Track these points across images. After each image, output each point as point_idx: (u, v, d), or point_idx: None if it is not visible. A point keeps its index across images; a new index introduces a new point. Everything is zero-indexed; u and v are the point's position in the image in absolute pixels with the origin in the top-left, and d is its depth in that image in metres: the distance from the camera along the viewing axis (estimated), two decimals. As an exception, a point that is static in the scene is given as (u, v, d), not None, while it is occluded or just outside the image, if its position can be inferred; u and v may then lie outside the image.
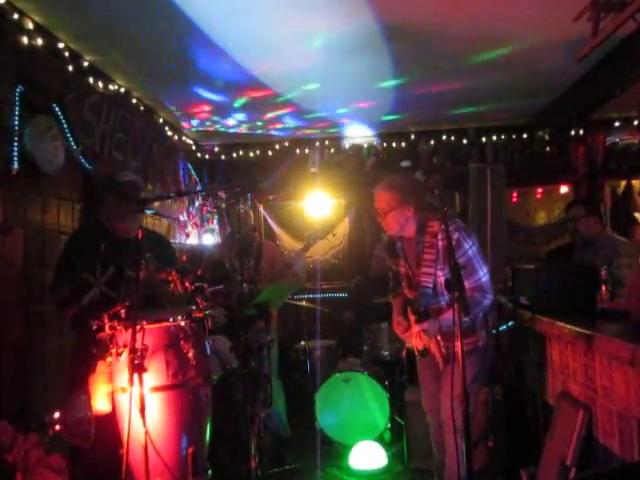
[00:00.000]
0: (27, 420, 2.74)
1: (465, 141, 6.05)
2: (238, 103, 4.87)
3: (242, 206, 5.67)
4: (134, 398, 2.25)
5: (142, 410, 2.25)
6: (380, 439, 4.12)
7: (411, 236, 2.89)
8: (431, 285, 2.77)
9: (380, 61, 4.01)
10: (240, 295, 3.53)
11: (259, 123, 5.55)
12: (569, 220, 4.18)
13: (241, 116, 5.28)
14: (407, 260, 2.94)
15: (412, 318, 2.89)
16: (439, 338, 2.82)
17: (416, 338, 2.83)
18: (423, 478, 3.59)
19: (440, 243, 2.75)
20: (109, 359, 2.47)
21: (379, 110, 5.27)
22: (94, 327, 2.52)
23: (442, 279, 2.74)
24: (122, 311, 2.51)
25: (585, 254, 3.89)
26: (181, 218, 5.74)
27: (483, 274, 2.76)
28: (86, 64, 3.75)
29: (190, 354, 2.55)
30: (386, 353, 4.51)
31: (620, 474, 1.72)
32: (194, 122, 5.41)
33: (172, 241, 5.21)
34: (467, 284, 2.70)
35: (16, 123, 3.00)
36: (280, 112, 5.20)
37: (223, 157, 6.36)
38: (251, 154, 6.28)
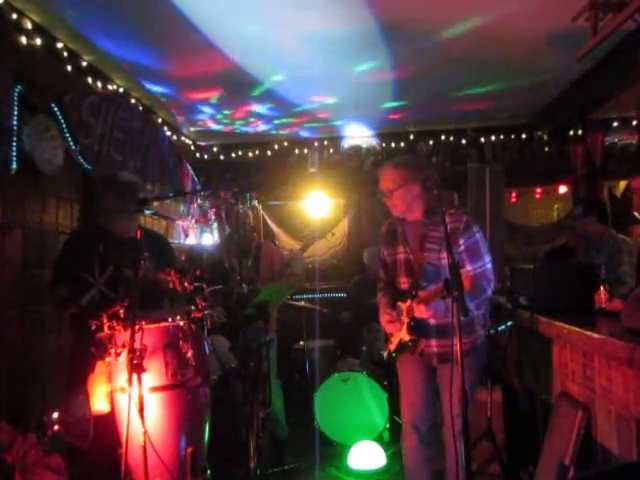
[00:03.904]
0: (26, 420, 2.74)
1: (464, 141, 6.05)
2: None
3: (241, 206, 5.68)
4: (133, 398, 2.25)
5: (141, 410, 2.25)
6: (379, 439, 4.12)
7: (417, 219, 2.84)
8: (434, 262, 2.70)
9: (378, 60, 4.01)
10: (239, 295, 3.54)
11: (258, 123, 5.54)
12: (570, 218, 4.17)
13: (239, 115, 5.28)
14: (408, 244, 2.85)
15: (404, 307, 2.78)
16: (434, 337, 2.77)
17: (410, 314, 2.72)
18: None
19: (449, 226, 2.66)
20: (108, 359, 2.47)
21: (378, 108, 5.26)
22: (93, 327, 2.51)
23: (445, 262, 2.63)
24: (121, 311, 2.51)
25: (588, 254, 3.87)
26: (180, 219, 5.74)
27: (488, 260, 2.75)
28: (85, 64, 3.74)
29: (189, 354, 2.54)
30: (385, 353, 4.51)
31: (619, 474, 1.72)
32: (195, 119, 5.41)
33: (171, 241, 5.21)
34: (474, 268, 2.70)
35: (15, 123, 3.00)
36: (278, 112, 5.20)
37: (222, 157, 6.36)
38: (250, 154, 6.28)
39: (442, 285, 2.46)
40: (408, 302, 2.75)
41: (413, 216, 2.85)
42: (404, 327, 2.77)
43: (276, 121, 5.50)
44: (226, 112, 5.14)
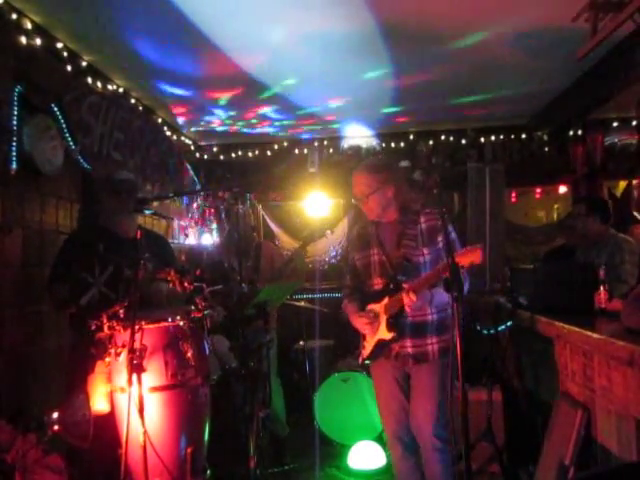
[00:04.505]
0: (26, 420, 2.73)
1: (464, 141, 6.05)
2: (234, 102, 4.88)
3: (241, 206, 5.68)
4: (133, 398, 2.25)
5: (141, 410, 2.25)
6: (379, 439, 4.11)
7: (391, 219, 2.84)
8: (412, 258, 2.71)
9: (378, 61, 4.00)
10: (239, 295, 3.53)
11: (255, 121, 5.54)
12: (571, 217, 4.12)
13: (237, 114, 5.27)
14: (383, 245, 2.82)
15: (379, 307, 2.74)
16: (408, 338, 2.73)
17: (390, 310, 2.67)
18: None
19: (424, 225, 2.75)
20: (108, 359, 2.47)
21: (378, 109, 5.26)
22: (93, 327, 2.52)
23: (427, 258, 2.72)
24: (121, 311, 2.51)
25: (589, 253, 3.86)
26: (180, 219, 5.74)
27: None
28: (85, 64, 3.74)
29: (189, 354, 2.54)
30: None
31: (619, 474, 1.72)
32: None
33: (171, 241, 5.22)
34: None
35: (15, 123, 2.99)
36: (278, 113, 5.20)
37: (222, 157, 6.36)
38: (250, 154, 6.27)
39: (435, 271, 2.51)
40: (385, 300, 2.71)
41: (388, 217, 2.85)
42: (382, 326, 2.72)
43: (277, 123, 5.50)
44: (232, 114, 5.14)
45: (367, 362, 2.90)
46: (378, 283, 2.81)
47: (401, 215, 2.82)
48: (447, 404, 2.65)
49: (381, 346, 2.76)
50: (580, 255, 3.99)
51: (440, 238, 2.70)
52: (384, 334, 2.72)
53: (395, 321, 2.69)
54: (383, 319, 2.72)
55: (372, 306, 2.79)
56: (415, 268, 2.72)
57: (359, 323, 2.82)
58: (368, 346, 2.83)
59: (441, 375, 2.69)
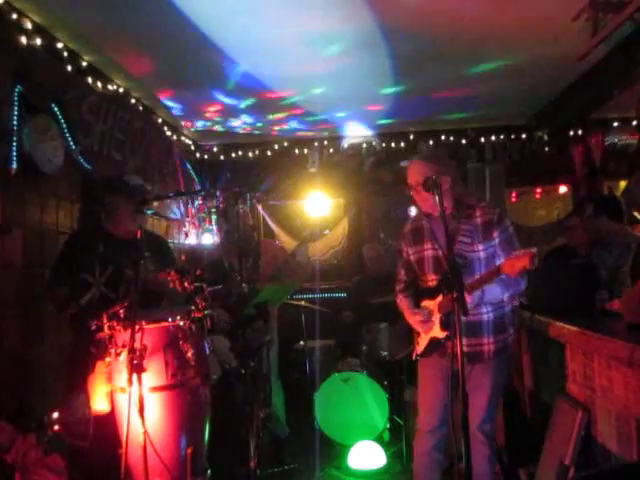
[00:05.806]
0: (26, 420, 2.74)
1: (464, 141, 6.04)
2: (243, 104, 4.85)
3: (241, 206, 5.68)
4: (133, 398, 2.25)
5: (141, 410, 2.25)
6: (379, 439, 4.12)
7: (445, 213, 2.71)
8: (467, 255, 2.61)
9: (380, 62, 4.00)
10: (239, 295, 3.54)
11: (259, 124, 5.53)
12: (583, 218, 3.97)
13: (244, 117, 5.26)
14: (437, 240, 2.70)
15: (432, 304, 2.70)
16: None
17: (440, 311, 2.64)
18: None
19: (479, 219, 2.66)
20: (108, 359, 2.47)
21: (378, 110, 5.26)
22: (93, 327, 2.52)
23: (482, 254, 2.63)
24: (121, 311, 2.51)
25: (601, 254, 3.70)
26: (180, 219, 5.74)
27: None
28: (85, 64, 3.74)
29: (189, 354, 2.54)
30: (385, 353, 4.51)
31: (619, 474, 1.72)
32: (199, 123, 5.40)
33: (171, 241, 5.22)
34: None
35: (15, 123, 3.00)
36: (281, 114, 5.20)
37: (222, 157, 6.36)
38: (250, 154, 6.28)
39: (490, 272, 2.45)
40: (439, 298, 2.67)
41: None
42: (436, 324, 2.69)
43: (270, 116, 5.43)
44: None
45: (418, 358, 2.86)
46: (432, 279, 2.76)
47: (455, 209, 2.73)
48: (497, 403, 2.66)
49: (435, 344, 2.73)
50: (595, 256, 3.77)
51: (496, 234, 2.63)
52: (437, 332, 2.69)
53: (448, 319, 2.60)
54: (437, 317, 2.69)
55: (426, 303, 2.76)
56: (470, 265, 2.64)
57: (413, 320, 2.80)
58: (422, 343, 2.79)
59: (495, 374, 2.66)
